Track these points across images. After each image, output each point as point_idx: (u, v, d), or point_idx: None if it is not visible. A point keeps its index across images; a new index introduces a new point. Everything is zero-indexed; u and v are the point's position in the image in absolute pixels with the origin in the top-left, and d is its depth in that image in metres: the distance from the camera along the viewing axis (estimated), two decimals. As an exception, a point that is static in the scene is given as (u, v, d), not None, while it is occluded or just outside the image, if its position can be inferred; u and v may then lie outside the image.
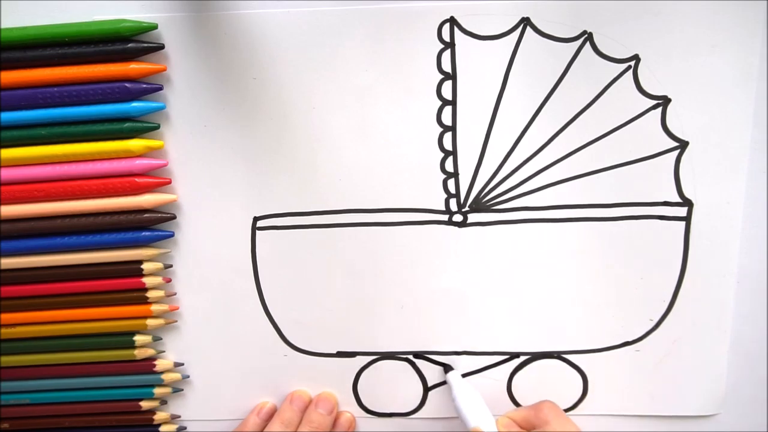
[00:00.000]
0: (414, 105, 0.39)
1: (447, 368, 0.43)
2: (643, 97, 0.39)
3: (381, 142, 0.40)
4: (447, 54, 0.39)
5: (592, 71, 0.38)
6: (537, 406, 0.39)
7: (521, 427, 0.39)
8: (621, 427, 0.44)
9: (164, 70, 0.39)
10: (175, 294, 0.43)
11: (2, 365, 0.43)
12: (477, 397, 0.41)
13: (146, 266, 0.41)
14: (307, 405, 0.44)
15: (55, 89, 0.38)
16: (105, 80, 0.38)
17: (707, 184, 0.40)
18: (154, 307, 0.42)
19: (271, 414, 0.44)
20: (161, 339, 0.43)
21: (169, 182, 0.41)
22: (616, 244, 0.41)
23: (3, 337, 0.42)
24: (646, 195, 0.40)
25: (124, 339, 0.43)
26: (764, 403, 0.44)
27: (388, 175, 0.41)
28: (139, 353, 0.43)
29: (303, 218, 0.42)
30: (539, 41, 0.38)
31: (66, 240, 0.41)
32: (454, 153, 0.40)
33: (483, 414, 0.40)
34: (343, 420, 0.44)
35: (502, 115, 0.39)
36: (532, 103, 0.39)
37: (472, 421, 0.39)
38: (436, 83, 0.39)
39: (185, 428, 0.45)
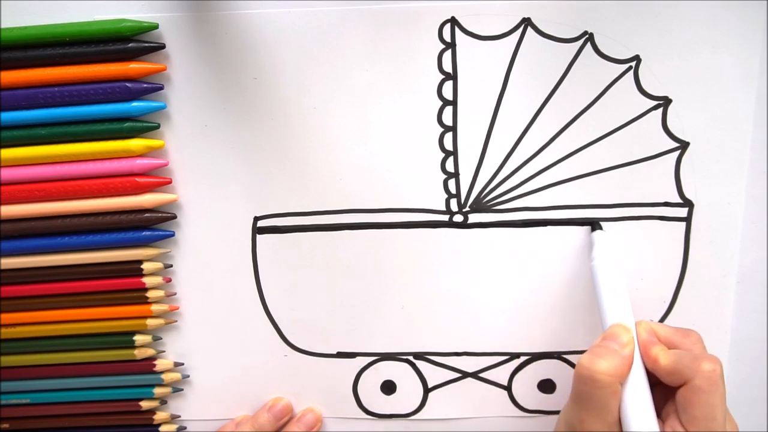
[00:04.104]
0: (415, 105, 0.39)
1: (595, 226, 0.40)
2: (644, 98, 0.39)
3: (382, 142, 0.40)
4: (448, 54, 0.39)
5: (592, 72, 0.38)
6: (685, 331, 0.36)
7: (660, 341, 0.36)
8: (621, 428, 0.44)
9: (165, 69, 0.39)
10: (175, 294, 0.43)
11: (2, 365, 0.43)
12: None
13: (146, 266, 0.41)
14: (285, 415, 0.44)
15: (56, 89, 0.38)
16: (105, 80, 0.38)
17: (708, 185, 0.40)
18: (154, 307, 0.42)
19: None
20: (161, 339, 0.43)
21: (170, 182, 0.41)
22: (616, 245, 0.41)
23: (3, 337, 0.42)
24: (646, 195, 0.40)
25: (124, 339, 0.43)
26: (764, 403, 0.44)
27: (389, 175, 0.41)
28: (139, 353, 0.43)
29: (303, 218, 0.41)
30: (540, 41, 0.38)
31: (66, 240, 0.41)
32: (454, 153, 0.40)
33: (625, 306, 0.36)
34: (308, 419, 0.44)
35: (503, 116, 0.39)
36: (532, 103, 0.39)
37: (613, 313, 0.36)
38: (437, 83, 0.39)
39: (185, 428, 0.45)
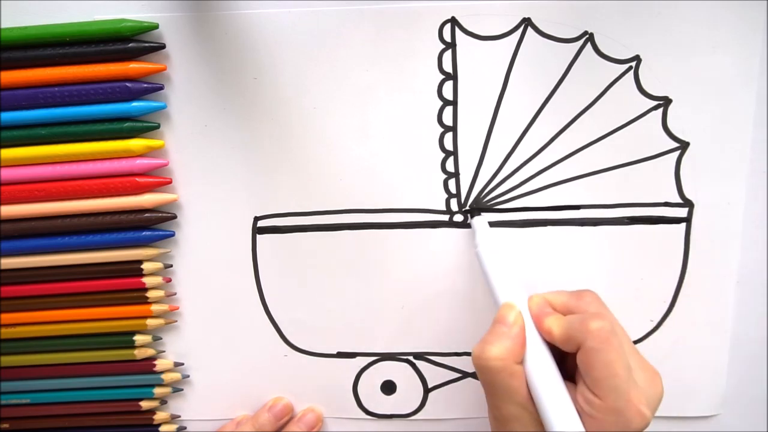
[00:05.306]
0: (415, 105, 0.39)
1: (473, 213, 0.40)
2: (644, 98, 0.39)
3: (382, 142, 0.40)
4: (448, 54, 0.39)
5: (593, 72, 0.38)
6: (579, 293, 0.35)
7: (556, 310, 0.35)
8: (621, 428, 0.44)
9: (165, 69, 0.39)
10: (175, 294, 0.43)
11: (2, 365, 0.43)
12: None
13: (146, 266, 0.41)
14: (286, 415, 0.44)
15: (56, 89, 0.38)
16: (105, 80, 0.38)
17: (708, 185, 0.40)
18: (154, 307, 0.42)
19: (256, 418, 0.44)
20: (161, 339, 0.43)
21: (170, 182, 0.41)
22: (616, 245, 0.41)
23: (3, 337, 0.42)
24: (646, 196, 0.40)
25: (124, 339, 0.43)
26: (764, 403, 0.44)
27: (389, 175, 0.41)
28: (139, 353, 0.43)
29: (304, 218, 0.41)
30: (540, 41, 0.38)
31: (66, 240, 0.41)
32: (455, 153, 0.40)
33: (514, 284, 0.35)
34: (309, 418, 0.44)
35: (503, 116, 0.39)
36: (533, 103, 0.39)
37: (502, 293, 0.35)
38: (437, 83, 0.39)
39: (185, 428, 0.45)
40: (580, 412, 0.31)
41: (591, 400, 0.31)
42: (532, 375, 0.32)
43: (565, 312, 0.34)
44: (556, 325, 0.33)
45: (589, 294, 0.35)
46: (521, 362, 0.33)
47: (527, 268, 0.42)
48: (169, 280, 0.42)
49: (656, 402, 0.33)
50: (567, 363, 0.33)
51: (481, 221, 0.39)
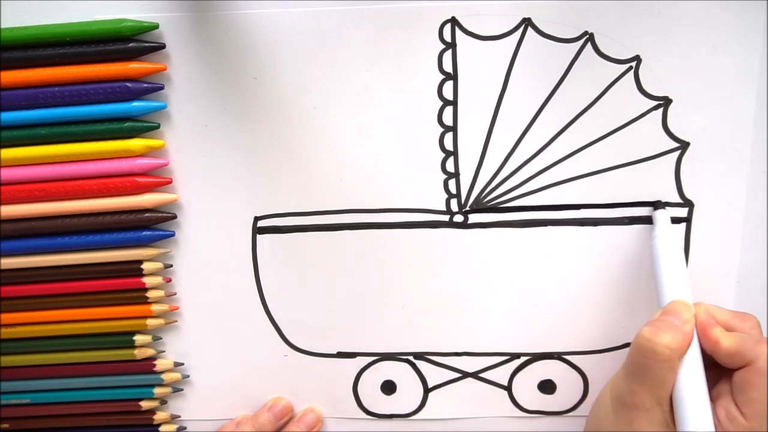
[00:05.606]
0: (415, 105, 0.39)
1: (657, 204, 0.40)
2: (644, 98, 0.39)
3: (382, 143, 0.40)
4: (448, 54, 0.39)
5: (593, 72, 0.38)
6: (743, 315, 0.36)
7: (718, 324, 0.35)
8: (621, 428, 0.44)
9: (165, 69, 0.39)
10: (175, 294, 0.43)
11: (2, 365, 0.43)
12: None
13: (146, 266, 0.41)
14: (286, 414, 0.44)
15: (56, 89, 0.38)
16: (106, 80, 0.38)
17: (708, 185, 0.40)
18: (154, 307, 0.42)
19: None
20: (161, 339, 0.43)
21: (170, 182, 0.41)
22: (616, 245, 0.41)
23: (3, 337, 0.42)
24: (646, 196, 0.40)
25: (124, 339, 0.43)
26: (764, 404, 0.44)
27: (389, 175, 0.41)
28: (139, 353, 0.43)
29: (304, 218, 0.41)
30: (540, 42, 0.38)
31: (66, 240, 0.41)
32: (455, 153, 0.40)
33: (685, 285, 0.36)
34: (309, 418, 0.44)
35: (503, 116, 0.39)
36: (533, 103, 0.39)
37: (673, 290, 0.36)
38: (437, 83, 0.39)
39: (185, 428, 0.45)
40: (717, 425, 0.32)
41: (735, 417, 0.32)
42: (684, 376, 0.33)
43: (726, 328, 0.35)
44: (724, 337, 0.34)
45: (753, 318, 0.36)
46: (680, 360, 0.33)
47: (527, 268, 0.42)
48: (169, 280, 0.42)
49: None
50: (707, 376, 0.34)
51: (663, 215, 0.39)
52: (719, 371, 0.34)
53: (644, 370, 0.33)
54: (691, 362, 0.34)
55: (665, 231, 0.39)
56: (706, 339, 0.34)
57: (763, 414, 0.31)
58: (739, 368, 0.33)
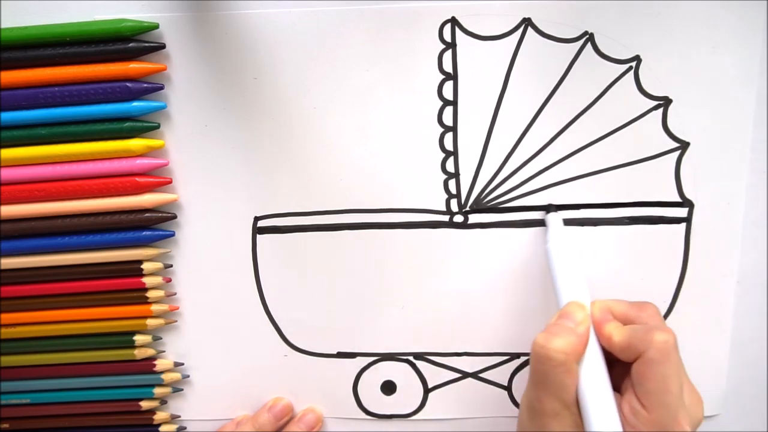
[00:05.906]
0: (415, 105, 0.39)
1: (549, 208, 0.40)
2: (644, 98, 0.39)
3: (382, 143, 0.40)
4: (448, 54, 0.39)
5: (593, 72, 0.38)
6: (640, 305, 0.36)
7: (615, 318, 0.35)
8: (621, 428, 0.44)
9: (165, 69, 0.39)
10: (175, 294, 0.43)
11: (2, 365, 0.43)
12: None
13: (146, 266, 0.41)
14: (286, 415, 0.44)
15: (56, 89, 0.38)
16: (106, 80, 0.38)
17: (708, 185, 0.40)
18: (154, 307, 0.42)
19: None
20: (161, 339, 0.43)
21: (170, 182, 0.41)
22: (616, 245, 0.41)
23: (3, 337, 0.42)
24: (646, 195, 0.40)
25: (124, 339, 0.43)
26: (764, 403, 0.44)
27: (389, 175, 0.41)
28: (139, 353, 0.43)
29: (304, 218, 0.41)
30: (540, 42, 0.38)
31: (66, 240, 0.41)
32: (455, 153, 0.40)
33: (580, 286, 0.36)
34: (309, 419, 0.44)
35: (503, 116, 0.39)
36: (533, 103, 0.39)
37: (568, 292, 0.36)
38: (438, 83, 0.39)
39: (185, 428, 0.45)
40: (623, 422, 0.32)
41: (638, 411, 0.31)
42: (585, 377, 0.33)
43: (625, 321, 0.35)
44: (616, 332, 0.34)
45: (651, 307, 0.36)
46: (578, 362, 0.33)
47: (527, 268, 0.42)
48: (169, 280, 0.42)
49: (697, 426, 0.33)
50: (612, 373, 0.33)
51: (555, 218, 0.39)
52: (625, 367, 0.33)
53: (544, 376, 0.33)
54: (591, 362, 0.33)
55: (557, 234, 0.38)
56: (602, 336, 0.34)
57: (664, 404, 0.31)
58: (635, 361, 0.32)
